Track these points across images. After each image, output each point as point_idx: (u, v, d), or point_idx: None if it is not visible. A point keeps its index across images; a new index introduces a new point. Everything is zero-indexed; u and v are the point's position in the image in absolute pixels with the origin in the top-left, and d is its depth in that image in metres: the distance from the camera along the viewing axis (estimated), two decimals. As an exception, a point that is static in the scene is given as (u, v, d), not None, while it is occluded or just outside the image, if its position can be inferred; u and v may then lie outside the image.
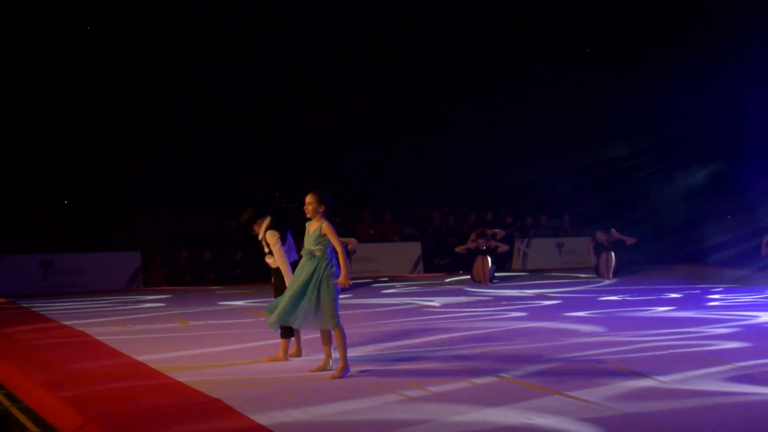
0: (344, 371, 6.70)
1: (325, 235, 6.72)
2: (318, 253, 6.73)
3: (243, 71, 20.14)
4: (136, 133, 19.25)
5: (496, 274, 16.63)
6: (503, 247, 16.95)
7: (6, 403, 6.51)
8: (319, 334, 7.12)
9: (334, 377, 6.64)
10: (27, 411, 6.17)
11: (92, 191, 18.77)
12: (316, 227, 6.79)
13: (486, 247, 16.24)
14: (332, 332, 6.83)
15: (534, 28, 21.71)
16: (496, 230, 17.35)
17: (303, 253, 6.84)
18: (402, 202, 21.01)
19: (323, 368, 6.96)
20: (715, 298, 12.60)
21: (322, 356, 7.09)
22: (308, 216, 6.87)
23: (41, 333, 9.71)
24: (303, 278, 6.74)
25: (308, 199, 6.85)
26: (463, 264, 17.89)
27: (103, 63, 18.90)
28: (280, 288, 7.57)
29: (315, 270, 6.71)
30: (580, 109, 22.18)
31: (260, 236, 7.71)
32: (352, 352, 7.80)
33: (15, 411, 6.20)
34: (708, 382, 6.37)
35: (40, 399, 6.31)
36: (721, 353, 7.62)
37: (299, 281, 6.76)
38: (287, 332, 7.54)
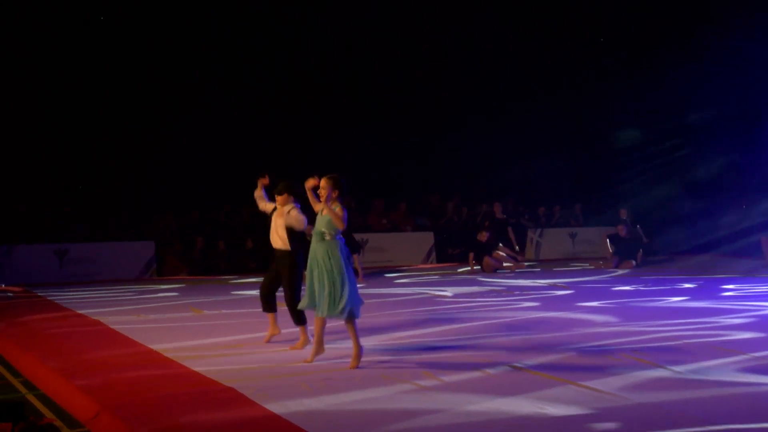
0: (359, 358, 6.73)
1: (327, 217, 6.74)
2: (328, 237, 6.75)
3: (257, 63, 20.15)
4: (150, 123, 19.30)
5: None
6: (511, 264, 16.84)
7: (23, 390, 6.58)
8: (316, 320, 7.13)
9: (351, 367, 6.63)
10: (43, 398, 6.24)
11: (106, 181, 18.88)
12: (319, 208, 6.83)
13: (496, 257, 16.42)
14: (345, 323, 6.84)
15: (546, 18, 21.59)
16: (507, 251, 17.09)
17: (314, 233, 6.86)
18: (415, 193, 21.02)
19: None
20: (730, 289, 12.54)
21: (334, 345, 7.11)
22: (321, 200, 6.88)
23: (57, 322, 9.78)
24: (316, 266, 6.75)
25: (322, 183, 6.87)
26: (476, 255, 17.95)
27: (117, 54, 18.96)
28: (291, 277, 7.66)
29: (325, 257, 6.70)
30: (592, 99, 22.06)
31: (282, 211, 7.78)
32: (364, 342, 7.81)
33: (32, 398, 6.27)
34: (722, 372, 6.35)
35: (56, 387, 6.38)
36: (735, 343, 7.58)
37: (312, 270, 6.79)
38: (301, 319, 7.65)
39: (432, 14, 20.91)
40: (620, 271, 16.16)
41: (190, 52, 19.55)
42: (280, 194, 7.85)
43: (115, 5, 18.88)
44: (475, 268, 16.41)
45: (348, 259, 6.83)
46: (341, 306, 6.63)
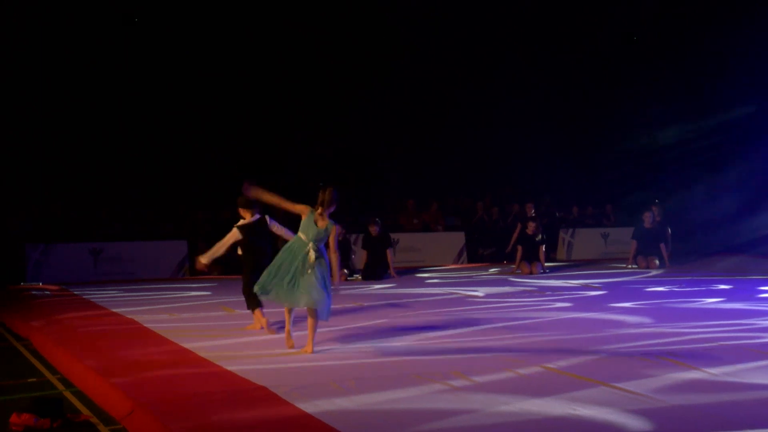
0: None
1: (328, 234, 7.35)
2: (315, 248, 7.33)
3: (283, 62, 20.26)
4: (181, 123, 19.51)
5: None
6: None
7: (60, 387, 6.70)
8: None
9: (305, 351, 7.26)
10: (80, 395, 6.34)
11: (139, 181, 19.12)
12: (326, 225, 7.35)
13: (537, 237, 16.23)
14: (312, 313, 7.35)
15: (573, 18, 21.41)
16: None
17: (307, 239, 7.31)
18: (446, 193, 21.00)
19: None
20: (766, 290, 12.33)
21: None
22: (323, 209, 7.35)
23: (92, 320, 9.92)
24: (297, 257, 7.29)
25: (328, 195, 7.36)
26: (508, 255, 17.85)
27: (146, 54, 19.19)
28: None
29: (315, 257, 7.27)
30: (624, 100, 21.85)
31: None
32: (396, 342, 7.90)
33: (69, 395, 6.37)
34: (759, 375, 6.25)
35: (92, 384, 6.47)
36: (772, 346, 7.47)
37: (289, 259, 7.32)
38: (256, 303, 8.50)
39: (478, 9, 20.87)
40: (653, 272, 15.97)
41: (227, 46, 19.70)
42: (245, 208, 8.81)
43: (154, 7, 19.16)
44: (517, 271, 16.20)
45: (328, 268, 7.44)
46: (321, 299, 7.21)
